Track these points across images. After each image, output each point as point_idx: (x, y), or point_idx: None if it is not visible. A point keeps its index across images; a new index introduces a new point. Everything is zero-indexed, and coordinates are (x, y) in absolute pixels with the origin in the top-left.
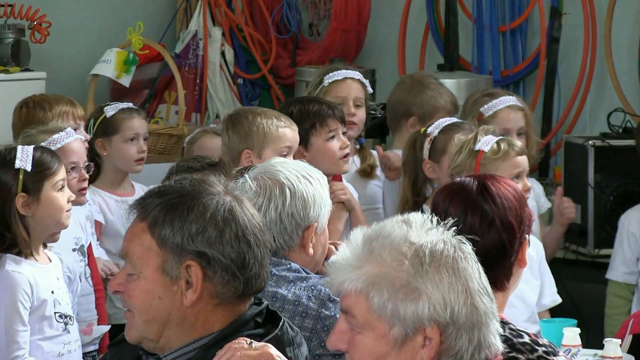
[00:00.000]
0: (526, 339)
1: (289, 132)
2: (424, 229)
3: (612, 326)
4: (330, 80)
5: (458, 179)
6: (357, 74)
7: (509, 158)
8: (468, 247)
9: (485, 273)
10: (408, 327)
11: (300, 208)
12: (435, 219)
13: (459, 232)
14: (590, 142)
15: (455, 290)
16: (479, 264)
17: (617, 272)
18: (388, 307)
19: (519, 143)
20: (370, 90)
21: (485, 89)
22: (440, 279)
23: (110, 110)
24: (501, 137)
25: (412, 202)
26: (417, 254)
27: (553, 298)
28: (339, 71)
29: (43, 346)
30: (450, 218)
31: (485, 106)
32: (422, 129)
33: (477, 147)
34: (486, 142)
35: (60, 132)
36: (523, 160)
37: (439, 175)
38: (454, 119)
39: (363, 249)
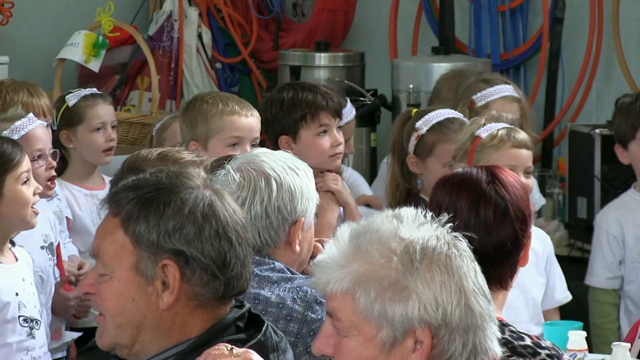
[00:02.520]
0: (528, 341)
1: (237, 119)
2: (415, 224)
3: (603, 337)
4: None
5: (460, 170)
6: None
7: (503, 148)
8: (463, 244)
9: (495, 270)
10: (397, 330)
11: (287, 201)
12: (429, 213)
13: (472, 227)
14: (596, 130)
15: (448, 289)
16: (475, 263)
17: (599, 278)
18: (375, 308)
19: (522, 135)
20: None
21: (480, 73)
22: (432, 278)
23: (72, 99)
24: (506, 125)
25: (403, 188)
26: (407, 250)
27: (565, 294)
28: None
29: (1, 353)
30: (459, 212)
31: (479, 94)
32: (414, 110)
33: (477, 132)
34: (487, 129)
35: (22, 119)
36: (521, 153)
37: (422, 171)
38: (445, 113)
39: (349, 245)
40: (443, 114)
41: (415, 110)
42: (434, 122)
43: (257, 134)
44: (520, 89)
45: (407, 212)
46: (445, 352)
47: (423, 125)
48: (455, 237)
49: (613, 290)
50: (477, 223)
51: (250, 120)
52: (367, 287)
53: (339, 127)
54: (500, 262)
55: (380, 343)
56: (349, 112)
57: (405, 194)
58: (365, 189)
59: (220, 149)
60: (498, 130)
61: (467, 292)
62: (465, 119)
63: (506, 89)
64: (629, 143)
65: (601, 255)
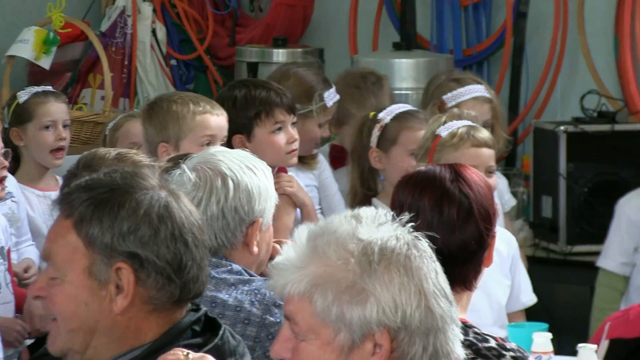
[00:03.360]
0: (492, 343)
1: (209, 118)
2: (375, 224)
3: (602, 321)
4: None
5: (424, 168)
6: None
7: (463, 147)
8: (424, 245)
9: (459, 270)
10: (355, 333)
11: (244, 202)
12: (390, 213)
13: (435, 226)
14: (561, 127)
15: (408, 291)
16: (437, 263)
17: (613, 261)
18: (333, 311)
19: (484, 134)
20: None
21: (451, 72)
22: (391, 279)
23: (23, 95)
24: (468, 123)
25: (361, 195)
26: (365, 251)
27: (530, 297)
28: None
29: None
30: (422, 211)
31: (449, 94)
32: (372, 113)
33: (437, 131)
34: (448, 127)
35: None
36: (482, 153)
37: (385, 166)
38: (408, 106)
39: (307, 247)
40: (406, 107)
41: (373, 113)
42: (397, 112)
43: (226, 133)
44: (490, 88)
45: (367, 212)
46: (405, 356)
47: (386, 115)
48: (415, 237)
49: (624, 277)
50: (440, 222)
51: (221, 118)
52: (324, 289)
53: (293, 123)
54: (464, 263)
55: (338, 347)
56: (333, 95)
57: (362, 199)
58: (332, 187)
59: (194, 149)
60: (458, 128)
61: (427, 294)
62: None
63: (477, 89)
64: None
65: (619, 240)
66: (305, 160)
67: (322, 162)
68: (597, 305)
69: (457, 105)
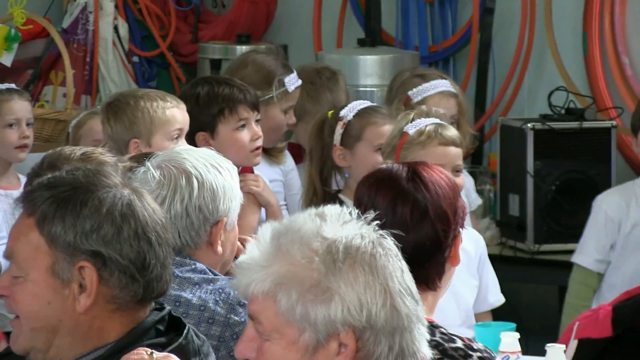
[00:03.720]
0: (459, 343)
1: (177, 112)
2: (339, 223)
3: (573, 317)
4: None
5: (384, 166)
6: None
7: (430, 145)
8: (389, 243)
9: (418, 270)
10: (320, 333)
11: (209, 200)
12: (355, 211)
13: (389, 226)
14: (529, 125)
15: (373, 290)
16: (402, 262)
17: (588, 257)
18: (297, 310)
19: (451, 132)
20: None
21: (415, 68)
22: (356, 278)
23: None
24: (435, 121)
25: (321, 192)
26: (330, 250)
27: (498, 297)
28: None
29: None
30: (377, 210)
31: (414, 90)
32: (330, 112)
33: (405, 128)
34: (415, 125)
35: None
36: (449, 152)
37: (350, 163)
38: (369, 102)
39: (271, 245)
40: (367, 103)
41: (331, 112)
42: (359, 108)
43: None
44: (456, 84)
45: (331, 210)
46: (371, 355)
47: (349, 112)
48: (381, 235)
49: (598, 274)
50: (394, 222)
51: (185, 112)
52: (288, 288)
53: (257, 120)
54: (422, 263)
55: (303, 346)
56: (294, 80)
57: (322, 197)
58: (296, 185)
59: (166, 144)
60: (426, 126)
61: (393, 293)
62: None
63: (443, 84)
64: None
65: (595, 236)
66: (272, 153)
67: (289, 158)
68: (569, 302)
69: (423, 101)
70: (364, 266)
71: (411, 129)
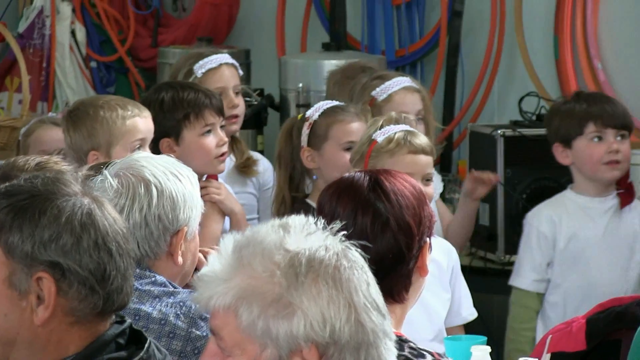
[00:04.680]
0: (429, 358)
1: (139, 122)
2: (303, 234)
3: (518, 343)
4: (203, 70)
5: (347, 174)
6: (229, 57)
7: (399, 154)
8: (355, 254)
9: (381, 283)
10: (282, 349)
11: (168, 209)
12: (321, 221)
13: (348, 237)
14: (499, 131)
15: (337, 304)
16: (369, 274)
17: (525, 279)
18: (258, 326)
19: (421, 140)
20: (241, 73)
21: (371, 74)
22: (319, 292)
23: None
24: (406, 128)
25: (290, 199)
26: (292, 263)
27: (471, 311)
28: (210, 57)
29: None
30: (338, 220)
31: (378, 89)
32: (299, 115)
33: (374, 136)
34: (384, 132)
35: None
36: (419, 160)
37: (319, 164)
38: (335, 102)
39: (232, 258)
40: (334, 102)
41: (300, 116)
42: (325, 107)
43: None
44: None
45: (296, 220)
46: None
47: (314, 112)
48: (346, 246)
49: (537, 294)
50: (354, 232)
51: (149, 120)
52: (249, 303)
53: (222, 126)
54: (385, 275)
55: None
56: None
57: (290, 204)
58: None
59: (126, 155)
60: (395, 133)
61: (358, 307)
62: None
63: (405, 80)
64: (575, 140)
65: (530, 256)
66: (241, 168)
67: (268, 173)
68: (511, 326)
69: (389, 98)
70: (327, 280)
71: (380, 137)
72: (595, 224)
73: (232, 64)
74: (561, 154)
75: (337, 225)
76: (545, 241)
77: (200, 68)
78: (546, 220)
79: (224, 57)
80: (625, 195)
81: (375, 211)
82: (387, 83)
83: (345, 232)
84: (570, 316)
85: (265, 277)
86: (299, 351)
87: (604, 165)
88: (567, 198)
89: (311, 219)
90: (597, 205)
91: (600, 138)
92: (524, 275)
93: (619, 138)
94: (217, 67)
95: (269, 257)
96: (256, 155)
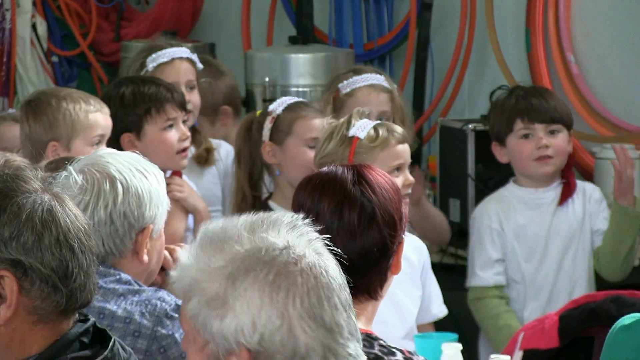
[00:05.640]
0: (399, 356)
1: (100, 117)
2: (274, 231)
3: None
4: (155, 64)
5: (325, 168)
6: (184, 51)
7: (389, 146)
8: (322, 261)
9: (361, 279)
10: (219, 347)
11: (134, 206)
12: (299, 217)
13: (335, 232)
14: (469, 126)
15: (268, 313)
16: (332, 281)
17: (483, 275)
18: (199, 319)
19: (399, 129)
20: (200, 66)
21: (351, 67)
22: (253, 298)
23: None
24: (379, 121)
25: (250, 197)
26: (238, 262)
27: (441, 308)
28: (163, 51)
29: None
30: (322, 215)
31: (345, 82)
32: (258, 112)
33: (351, 133)
34: (362, 127)
35: None
36: (405, 149)
37: (280, 160)
38: (299, 98)
39: (197, 245)
40: (297, 99)
41: (259, 112)
42: (289, 102)
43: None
44: (392, 82)
45: (270, 217)
46: None
47: (278, 106)
48: (316, 251)
49: (499, 286)
50: (340, 228)
51: (108, 117)
52: (194, 295)
53: (184, 121)
54: (366, 271)
55: (207, 357)
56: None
57: (252, 203)
58: None
59: (86, 149)
60: (376, 128)
61: (292, 318)
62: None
63: (375, 77)
64: (507, 138)
65: (483, 252)
66: (199, 159)
67: (231, 157)
68: (484, 325)
69: (352, 93)
70: (264, 286)
71: (359, 133)
72: (541, 215)
73: (188, 58)
74: (499, 153)
75: (318, 226)
76: (497, 235)
77: (152, 62)
78: (494, 215)
79: (178, 51)
80: (566, 188)
81: (362, 205)
82: (355, 78)
83: (327, 236)
84: (530, 310)
85: (213, 272)
86: (234, 353)
87: (534, 161)
88: (510, 192)
89: (290, 214)
90: (541, 195)
91: (527, 135)
92: (480, 274)
93: (554, 132)
94: (169, 61)
95: (222, 251)
96: (216, 142)
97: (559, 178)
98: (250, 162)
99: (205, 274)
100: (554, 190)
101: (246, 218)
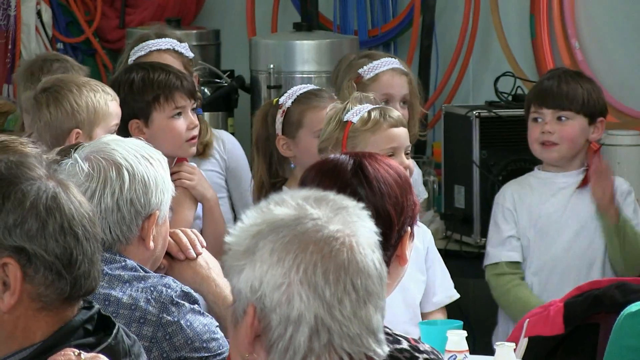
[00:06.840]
0: (405, 344)
1: (116, 106)
2: (317, 204)
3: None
4: (134, 57)
5: (332, 155)
6: (170, 42)
7: (380, 130)
8: (353, 238)
9: None
10: (238, 304)
11: (140, 193)
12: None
13: None
14: (474, 112)
15: (274, 274)
16: (354, 260)
17: (498, 253)
18: (229, 274)
19: (395, 113)
20: (191, 55)
21: (359, 52)
22: (266, 257)
23: None
24: (379, 106)
25: (269, 185)
26: (274, 223)
27: (449, 293)
28: (147, 42)
29: None
30: None
31: (366, 67)
32: (275, 100)
33: (345, 118)
34: (356, 112)
35: None
36: (399, 133)
37: (295, 153)
38: (310, 86)
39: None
40: (307, 87)
41: (276, 99)
42: (298, 94)
43: None
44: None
45: (335, 197)
46: (275, 339)
47: (287, 99)
48: (350, 233)
49: (512, 262)
50: None
51: (118, 105)
52: (229, 249)
53: (193, 109)
54: None
55: (232, 317)
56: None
57: (270, 190)
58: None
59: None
60: (369, 112)
61: (292, 282)
62: (333, 95)
63: (394, 62)
64: (528, 120)
65: (497, 230)
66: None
67: (234, 147)
68: (500, 299)
69: (376, 77)
70: (278, 246)
71: (353, 117)
72: (556, 199)
73: (173, 49)
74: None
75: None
76: (510, 214)
77: (134, 54)
78: (508, 196)
79: (157, 43)
80: (588, 175)
81: (355, 197)
82: (375, 62)
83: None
84: (539, 294)
85: (247, 229)
86: (245, 309)
87: (539, 145)
88: (532, 176)
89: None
90: (561, 179)
91: (537, 119)
92: (494, 252)
93: (563, 119)
94: (147, 54)
95: (264, 213)
96: (219, 133)
97: (581, 165)
98: (269, 151)
99: (242, 230)
100: (575, 177)
101: (301, 192)
